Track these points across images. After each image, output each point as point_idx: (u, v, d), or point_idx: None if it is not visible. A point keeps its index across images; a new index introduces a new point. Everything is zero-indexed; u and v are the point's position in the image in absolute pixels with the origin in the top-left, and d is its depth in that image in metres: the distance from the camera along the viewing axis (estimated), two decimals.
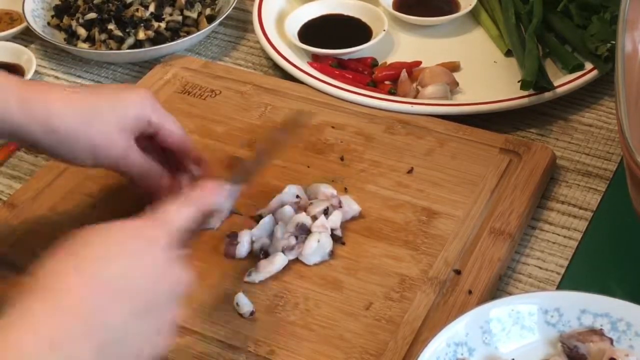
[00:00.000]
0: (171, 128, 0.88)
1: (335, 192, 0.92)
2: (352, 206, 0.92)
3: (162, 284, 0.67)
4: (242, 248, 0.88)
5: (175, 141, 0.89)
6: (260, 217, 0.91)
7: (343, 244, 0.90)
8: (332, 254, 0.88)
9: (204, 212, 0.74)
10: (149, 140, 0.88)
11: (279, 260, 0.86)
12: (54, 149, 0.83)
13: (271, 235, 0.89)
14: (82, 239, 0.67)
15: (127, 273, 0.65)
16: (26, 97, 0.81)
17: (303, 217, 0.89)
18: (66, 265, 0.64)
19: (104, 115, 0.84)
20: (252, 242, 0.89)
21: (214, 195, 0.75)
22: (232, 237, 0.89)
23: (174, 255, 0.68)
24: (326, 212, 0.90)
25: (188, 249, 0.71)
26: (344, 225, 0.91)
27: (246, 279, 0.86)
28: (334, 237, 0.89)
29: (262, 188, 0.95)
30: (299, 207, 0.91)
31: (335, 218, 0.90)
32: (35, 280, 0.63)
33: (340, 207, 0.91)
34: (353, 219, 0.92)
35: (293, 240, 0.87)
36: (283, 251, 0.87)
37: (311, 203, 0.91)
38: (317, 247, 0.87)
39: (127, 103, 0.85)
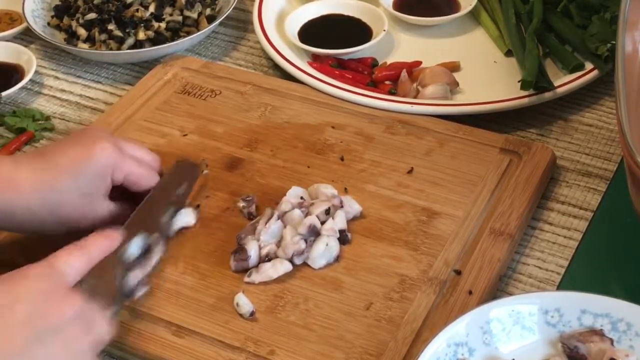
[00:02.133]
0: (134, 179, 0.89)
1: (336, 192, 0.92)
2: (353, 206, 0.92)
3: (54, 308, 0.70)
4: (252, 261, 0.87)
5: (143, 187, 0.90)
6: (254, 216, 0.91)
7: (349, 244, 0.90)
8: (338, 257, 0.88)
9: (94, 259, 0.77)
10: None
11: (282, 267, 0.86)
12: (15, 229, 0.87)
13: (279, 239, 0.89)
14: None
15: (13, 305, 0.68)
16: None
17: (314, 220, 0.88)
18: None
19: (65, 193, 0.84)
20: (260, 248, 0.88)
21: (106, 243, 0.78)
22: (241, 253, 0.87)
23: (64, 287, 0.72)
24: (328, 213, 0.90)
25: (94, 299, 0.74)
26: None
27: (246, 279, 0.86)
28: (342, 239, 0.89)
29: (262, 188, 0.95)
30: (305, 208, 0.90)
31: (340, 219, 0.90)
32: None
33: (342, 206, 0.91)
34: (354, 219, 0.92)
35: (303, 245, 0.87)
36: (293, 257, 0.87)
37: (312, 204, 0.91)
38: (324, 251, 0.87)
39: (86, 173, 0.85)
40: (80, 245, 0.76)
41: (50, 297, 0.70)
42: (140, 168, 0.89)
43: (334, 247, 0.88)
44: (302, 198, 0.91)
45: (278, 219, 0.89)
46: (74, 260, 0.74)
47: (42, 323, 0.68)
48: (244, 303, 0.83)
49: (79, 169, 0.84)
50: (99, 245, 0.78)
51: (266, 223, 0.88)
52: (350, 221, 0.92)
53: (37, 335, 0.68)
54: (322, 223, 0.89)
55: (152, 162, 0.92)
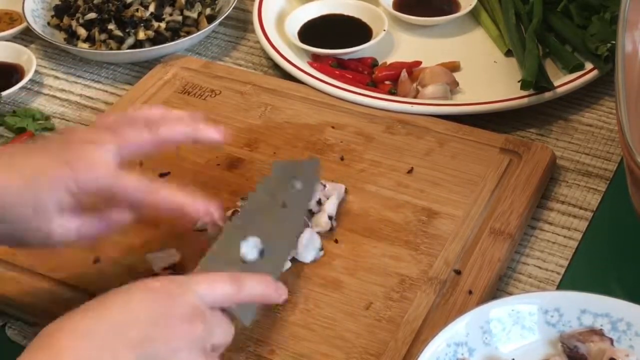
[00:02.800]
0: (117, 193, 0.77)
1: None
2: (336, 187, 0.93)
3: (169, 337, 0.65)
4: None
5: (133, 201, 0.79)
6: (234, 211, 0.91)
7: (332, 230, 0.90)
8: (322, 248, 0.88)
9: (242, 297, 0.71)
10: None
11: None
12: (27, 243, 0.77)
13: None
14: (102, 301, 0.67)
15: (130, 325, 0.65)
16: None
17: None
18: (72, 324, 0.64)
19: (19, 208, 0.74)
20: None
21: (263, 288, 0.72)
22: None
23: (196, 311, 0.67)
24: (320, 203, 0.91)
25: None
26: (343, 222, 0.91)
27: None
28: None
29: None
30: None
31: (332, 204, 0.91)
32: (37, 339, 0.63)
33: (325, 187, 0.92)
34: (354, 218, 0.92)
35: None
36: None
37: None
38: (307, 242, 0.87)
39: (42, 190, 0.74)
40: (235, 277, 0.71)
41: (168, 324, 0.65)
42: (116, 170, 0.77)
43: (315, 237, 0.88)
44: None
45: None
46: (219, 289, 0.69)
47: (152, 349, 0.64)
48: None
49: (35, 176, 0.74)
50: (255, 287, 0.72)
51: None
52: (350, 221, 0.92)
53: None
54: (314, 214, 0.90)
55: (151, 116, 0.81)
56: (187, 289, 0.68)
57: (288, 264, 0.87)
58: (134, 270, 0.88)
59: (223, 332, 0.70)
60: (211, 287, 0.69)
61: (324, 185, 0.93)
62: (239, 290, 0.70)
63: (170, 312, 0.66)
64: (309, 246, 0.88)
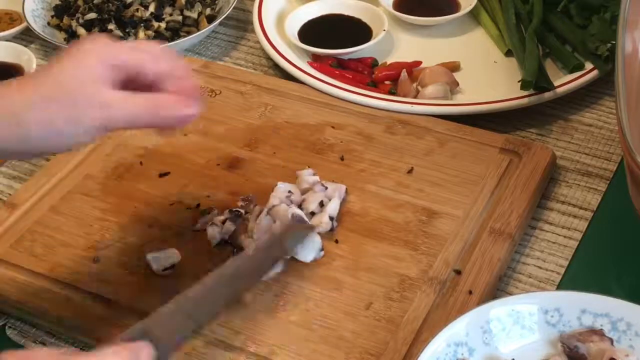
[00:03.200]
0: (142, 66, 0.76)
1: (317, 178, 0.94)
2: (337, 188, 0.93)
3: None
4: None
5: (147, 72, 0.77)
6: (233, 211, 0.91)
7: (333, 230, 0.90)
8: (323, 248, 0.88)
9: None
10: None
11: (278, 265, 0.86)
12: (30, 144, 0.75)
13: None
14: None
15: None
16: None
17: (296, 210, 0.89)
18: None
19: (68, 86, 0.74)
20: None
21: None
22: (239, 253, 0.86)
23: None
24: (322, 205, 0.91)
25: None
26: (343, 222, 0.91)
27: None
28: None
29: (262, 188, 0.95)
30: (291, 202, 0.91)
31: (334, 206, 0.91)
32: None
33: (326, 188, 0.92)
34: (354, 218, 0.92)
35: None
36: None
37: (304, 199, 0.91)
38: (307, 242, 0.87)
39: (87, 65, 0.74)
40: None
41: None
42: (153, 62, 0.77)
43: (316, 238, 0.88)
44: (289, 192, 0.92)
45: (267, 214, 0.89)
46: None
47: None
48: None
49: (76, 61, 0.75)
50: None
51: (256, 220, 0.89)
52: (350, 221, 0.92)
53: None
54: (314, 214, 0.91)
55: (159, 51, 0.79)
56: None
57: (284, 264, 0.87)
58: (134, 270, 0.88)
59: None
60: None
61: (325, 187, 0.93)
62: None
63: None
64: (309, 246, 0.88)
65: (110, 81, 0.75)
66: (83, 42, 0.77)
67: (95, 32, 1.18)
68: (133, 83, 0.76)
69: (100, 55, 0.75)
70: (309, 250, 0.88)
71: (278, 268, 0.87)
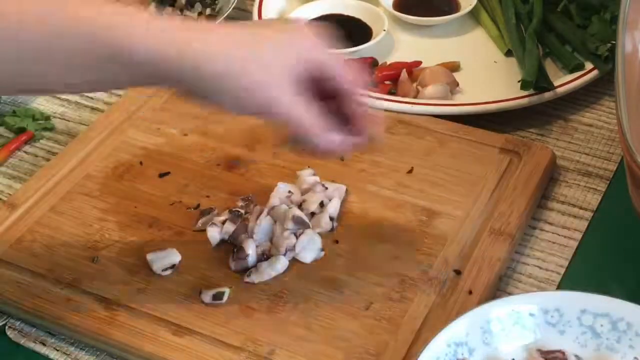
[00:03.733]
0: (339, 75, 0.78)
1: (317, 178, 0.94)
2: (337, 188, 0.93)
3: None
4: (251, 259, 0.87)
5: (341, 88, 0.79)
6: (233, 211, 0.91)
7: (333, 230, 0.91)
8: (323, 248, 0.89)
9: None
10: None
11: (280, 263, 0.87)
12: (202, 96, 0.76)
13: (271, 236, 0.89)
14: None
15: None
16: (184, 41, 0.72)
17: (297, 211, 0.89)
18: None
19: (257, 63, 0.74)
20: (256, 247, 0.88)
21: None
22: (239, 253, 0.87)
23: None
24: (322, 205, 0.91)
25: None
26: (343, 223, 0.91)
27: (246, 279, 0.86)
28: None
29: (262, 188, 0.95)
30: (292, 202, 0.91)
31: (334, 206, 0.91)
32: None
33: (326, 188, 0.92)
34: (354, 219, 0.92)
35: (293, 239, 0.87)
36: (286, 252, 0.87)
37: (304, 200, 0.91)
38: (307, 242, 0.87)
39: (289, 51, 0.76)
40: None
41: None
42: (348, 73, 0.79)
43: (316, 238, 0.88)
44: (290, 192, 0.92)
45: (267, 215, 0.89)
46: None
47: None
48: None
49: (281, 44, 0.76)
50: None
51: (256, 220, 0.89)
52: (350, 221, 0.92)
53: None
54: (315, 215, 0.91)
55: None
56: None
57: (286, 265, 0.87)
58: (134, 270, 0.88)
59: None
60: None
61: (325, 187, 0.93)
62: None
63: None
64: (309, 246, 0.88)
65: (297, 77, 0.75)
66: (294, 28, 0.81)
67: None
68: (320, 83, 0.77)
69: (301, 51, 0.76)
70: (309, 251, 0.88)
71: (285, 265, 0.87)
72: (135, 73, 0.72)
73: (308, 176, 0.95)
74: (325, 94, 0.79)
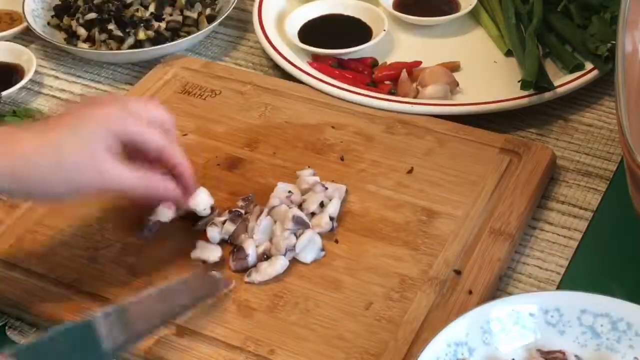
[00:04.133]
0: (145, 141, 0.85)
1: (318, 178, 0.94)
2: (337, 188, 0.93)
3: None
4: (251, 258, 0.87)
5: (153, 152, 0.86)
6: (233, 211, 0.91)
7: (333, 231, 0.91)
8: (323, 248, 0.89)
9: None
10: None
11: (280, 263, 0.86)
12: (28, 194, 0.85)
13: (271, 236, 0.89)
14: None
15: None
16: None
17: (297, 211, 0.89)
18: None
19: (70, 149, 0.81)
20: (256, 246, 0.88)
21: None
22: (239, 252, 0.88)
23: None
24: (322, 205, 0.91)
25: None
26: (343, 223, 0.91)
27: (246, 279, 0.86)
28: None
29: (262, 188, 0.95)
30: (292, 202, 0.91)
31: (334, 206, 0.91)
32: None
33: (326, 188, 0.92)
34: (354, 218, 0.92)
35: (293, 239, 0.88)
36: (286, 252, 0.87)
37: (304, 200, 0.91)
38: (307, 242, 0.87)
39: (88, 127, 0.82)
40: None
41: None
42: (147, 127, 0.85)
43: (317, 238, 0.88)
44: (289, 192, 0.92)
45: (267, 215, 0.89)
46: None
47: None
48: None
49: (80, 124, 0.82)
50: None
51: (256, 220, 0.89)
52: (350, 221, 0.92)
53: None
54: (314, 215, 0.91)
55: (166, 122, 0.88)
56: None
57: (286, 265, 0.87)
58: (134, 270, 0.88)
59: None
60: None
61: (325, 187, 0.93)
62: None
63: None
64: (309, 247, 0.88)
65: (112, 150, 0.82)
66: (93, 104, 0.86)
67: (95, 32, 1.18)
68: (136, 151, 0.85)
69: (107, 124, 0.83)
70: (309, 250, 0.88)
71: (285, 265, 0.87)
72: None
73: (308, 176, 0.95)
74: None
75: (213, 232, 0.90)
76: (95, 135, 0.81)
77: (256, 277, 0.86)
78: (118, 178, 0.82)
